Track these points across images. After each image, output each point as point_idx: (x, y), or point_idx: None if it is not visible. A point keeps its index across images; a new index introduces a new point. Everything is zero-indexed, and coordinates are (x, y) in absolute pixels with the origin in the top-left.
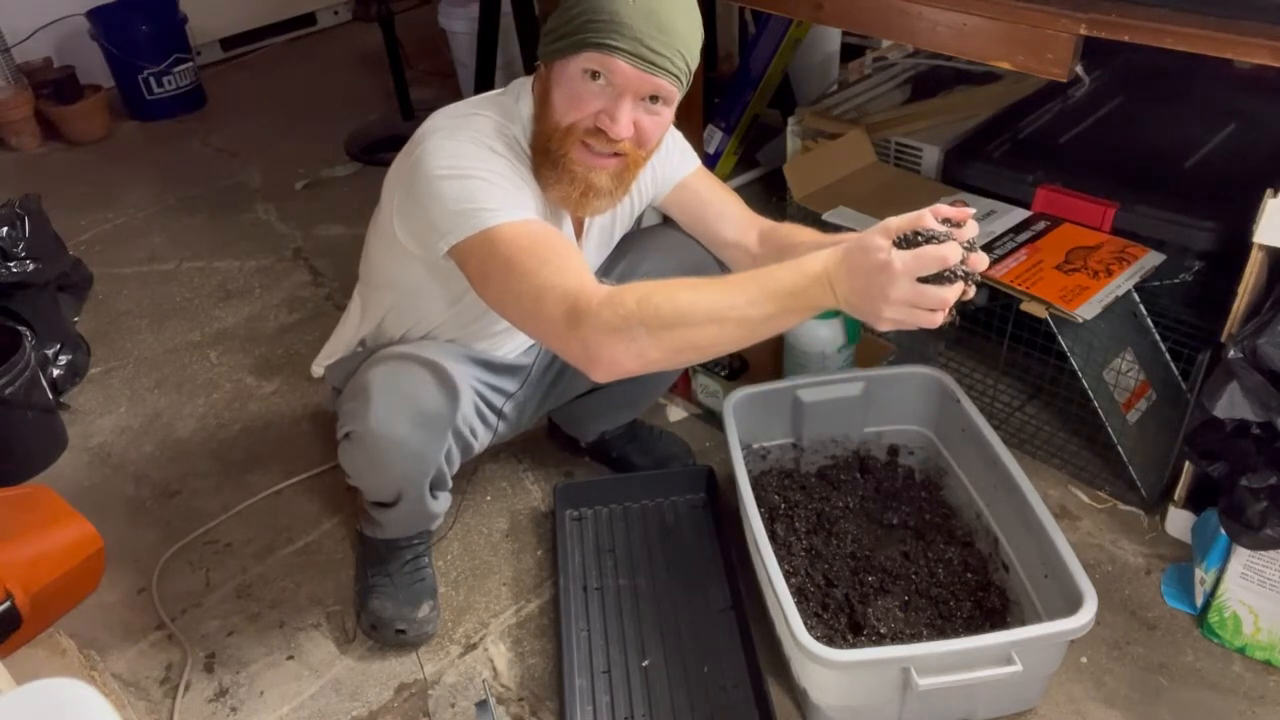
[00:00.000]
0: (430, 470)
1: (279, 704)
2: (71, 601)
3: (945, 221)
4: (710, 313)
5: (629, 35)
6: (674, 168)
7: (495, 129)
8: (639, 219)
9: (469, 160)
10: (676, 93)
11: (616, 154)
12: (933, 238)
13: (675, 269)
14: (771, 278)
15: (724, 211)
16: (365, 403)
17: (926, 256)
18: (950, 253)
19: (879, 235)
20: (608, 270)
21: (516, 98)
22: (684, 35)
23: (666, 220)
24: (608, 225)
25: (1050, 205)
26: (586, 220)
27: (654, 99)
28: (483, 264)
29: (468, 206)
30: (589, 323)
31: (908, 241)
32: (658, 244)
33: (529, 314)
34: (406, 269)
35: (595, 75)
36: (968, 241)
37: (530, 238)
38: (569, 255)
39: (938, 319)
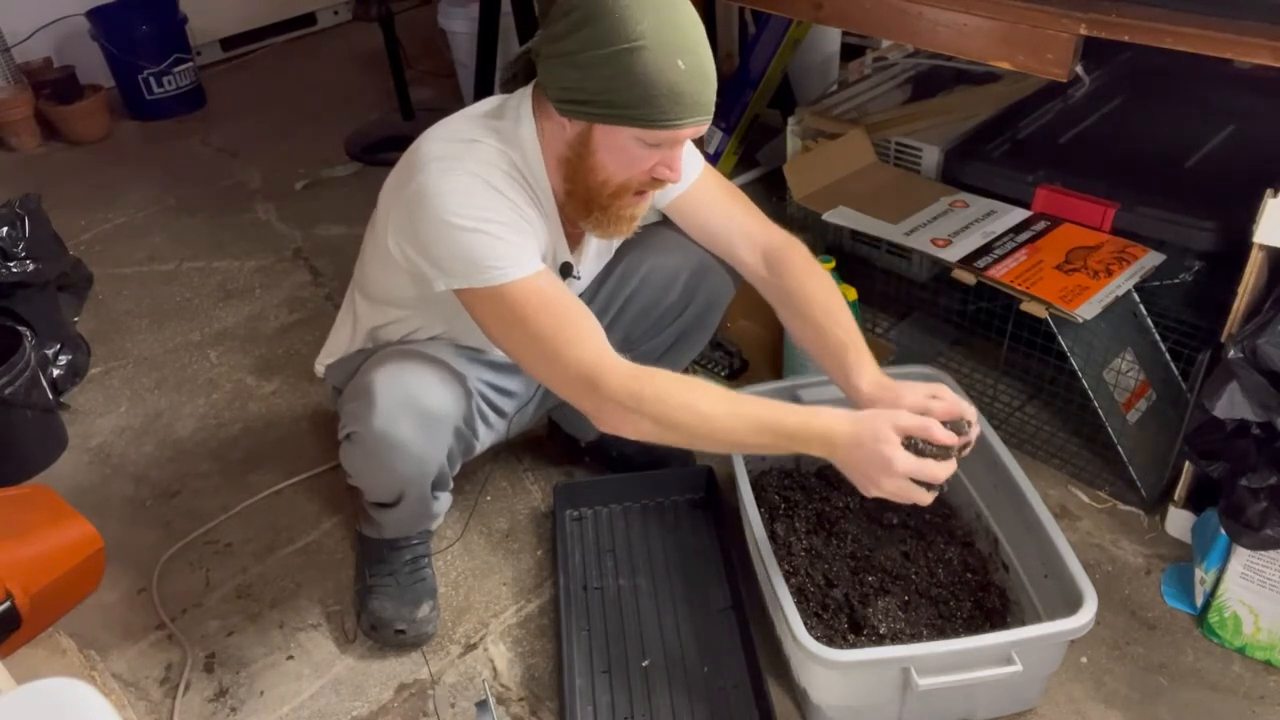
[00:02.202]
0: (432, 471)
1: (279, 704)
2: (71, 601)
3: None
4: (712, 428)
5: (690, 103)
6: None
7: (495, 158)
8: None
9: (475, 209)
10: None
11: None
12: (937, 453)
13: (678, 267)
14: (778, 418)
15: (730, 223)
16: (368, 404)
17: (925, 471)
18: (943, 472)
19: (892, 429)
20: (609, 271)
21: (516, 121)
22: (714, 70)
23: (666, 219)
24: (604, 242)
25: (1050, 205)
26: (583, 247)
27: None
28: (490, 313)
29: (477, 261)
30: (604, 394)
31: (914, 447)
32: (660, 243)
33: (541, 369)
34: (403, 285)
35: (653, 141)
36: (963, 445)
37: (541, 298)
38: (582, 318)
39: (905, 503)
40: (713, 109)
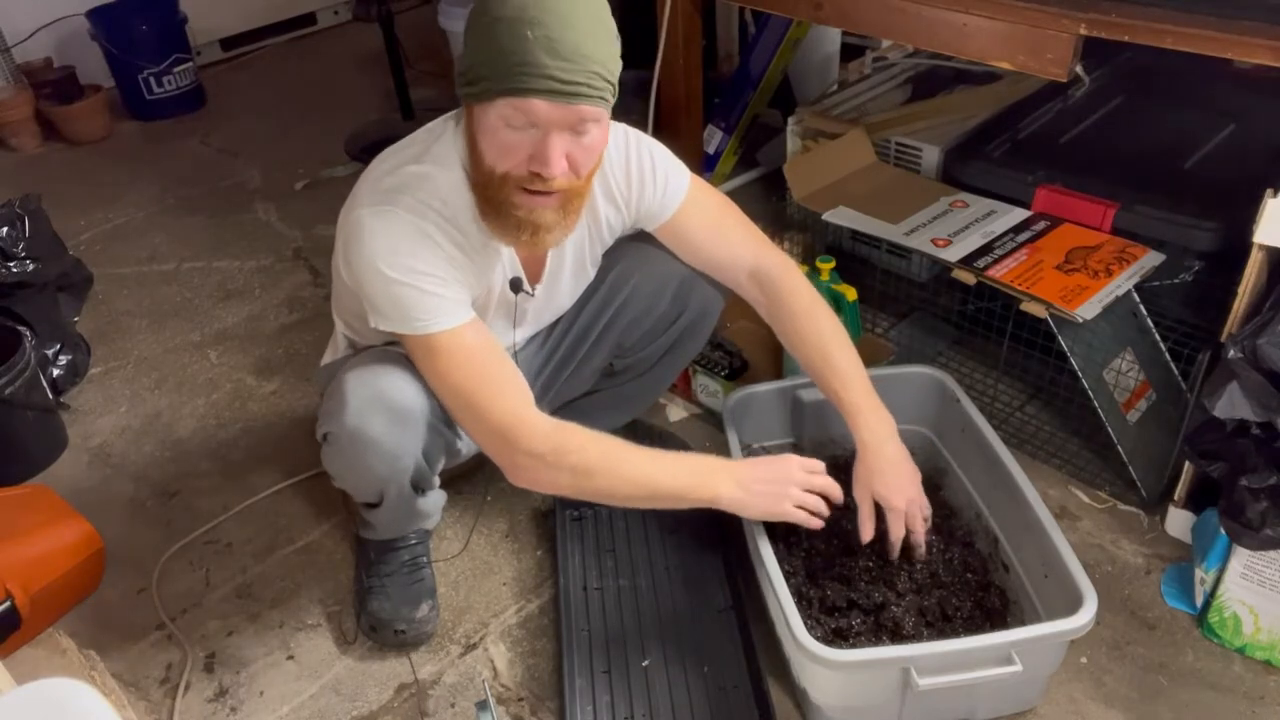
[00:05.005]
0: (408, 467)
1: (279, 704)
2: (71, 601)
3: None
4: (629, 473)
5: (539, 74)
6: (653, 209)
7: (431, 191)
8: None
9: (403, 259)
10: (604, 112)
11: (555, 191)
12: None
13: (667, 277)
14: (689, 458)
15: (719, 250)
16: (340, 403)
17: (818, 482)
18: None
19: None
20: (598, 282)
21: (453, 138)
22: (596, 54)
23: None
24: (578, 264)
25: (1050, 205)
26: (548, 268)
27: (580, 123)
28: (417, 358)
29: (403, 312)
30: (520, 448)
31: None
32: (648, 253)
33: (463, 419)
34: (356, 302)
35: (516, 121)
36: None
37: (465, 352)
38: (503, 373)
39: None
40: (584, 91)
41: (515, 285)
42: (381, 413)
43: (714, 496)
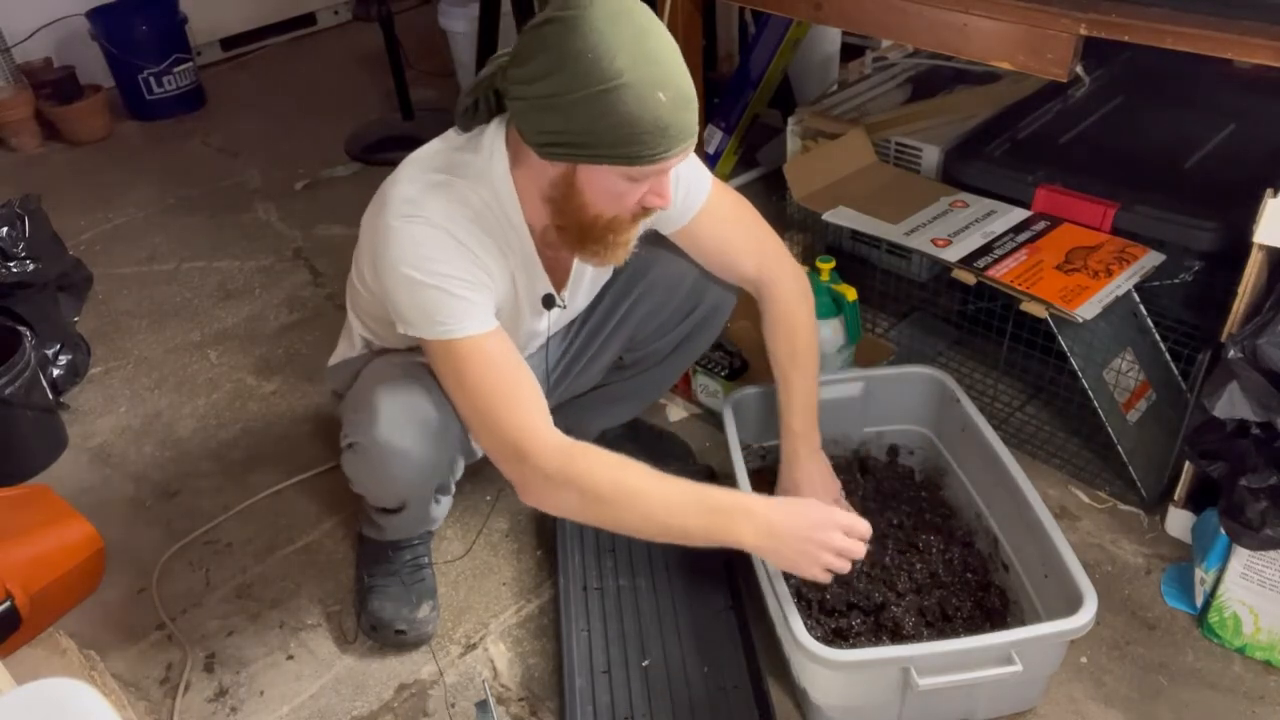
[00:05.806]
0: (435, 480)
1: (279, 704)
2: (71, 601)
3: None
4: (638, 505)
5: (674, 133)
6: (672, 215)
7: (463, 200)
8: None
9: (431, 264)
10: None
11: None
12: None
13: (684, 270)
14: (704, 494)
15: (722, 257)
16: (370, 415)
17: (856, 527)
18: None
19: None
20: (615, 276)
21: (489, 157)
22: (693, 89)
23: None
24: (599, 269)
25: (1050, 205)
26: (573, 274)
27: None
28: (438, 363)
29: (429, 315)
30: (530, 465)
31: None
32: (665, 247)
33: (476, 428)
34: (378, 305)
35: (638, 174)
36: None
37: (486, 360)
38: (521, 386)
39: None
40: (696, 128)
41: (548, 302)
42: (414, 426)
43: (736, 541)
